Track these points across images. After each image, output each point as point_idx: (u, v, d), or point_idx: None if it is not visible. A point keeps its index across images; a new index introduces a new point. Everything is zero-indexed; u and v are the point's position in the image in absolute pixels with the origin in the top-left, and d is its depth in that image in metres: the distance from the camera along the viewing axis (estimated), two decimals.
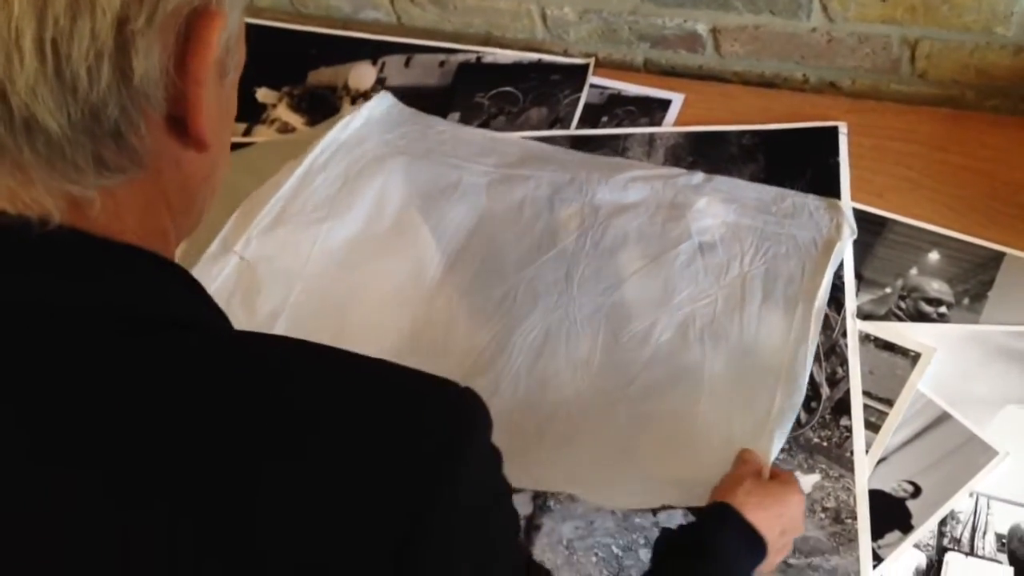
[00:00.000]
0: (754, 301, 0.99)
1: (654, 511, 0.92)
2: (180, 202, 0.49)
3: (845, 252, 1.01)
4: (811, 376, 0.97)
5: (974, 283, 0.98)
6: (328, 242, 1.08)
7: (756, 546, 0.75)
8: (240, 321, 1.02)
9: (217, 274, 1.05)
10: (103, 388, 0.42)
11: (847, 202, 1.05)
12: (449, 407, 0.46)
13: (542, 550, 0.92)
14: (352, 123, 1.17)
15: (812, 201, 1.05)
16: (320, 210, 1.10)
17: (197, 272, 1.02)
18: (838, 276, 1.00)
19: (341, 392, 0.44)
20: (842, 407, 0.93)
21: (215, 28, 0.43)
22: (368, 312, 1.05)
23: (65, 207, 0.42)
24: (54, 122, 0.40)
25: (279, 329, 1.03)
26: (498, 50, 1.29)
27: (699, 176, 1.09)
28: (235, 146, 1.27)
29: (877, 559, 0.86)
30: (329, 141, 1.15)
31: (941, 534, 0.86)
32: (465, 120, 1.23)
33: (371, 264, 1.07)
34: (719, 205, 1.06)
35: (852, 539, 0.87)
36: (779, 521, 0.78)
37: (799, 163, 1.09)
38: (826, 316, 0.99)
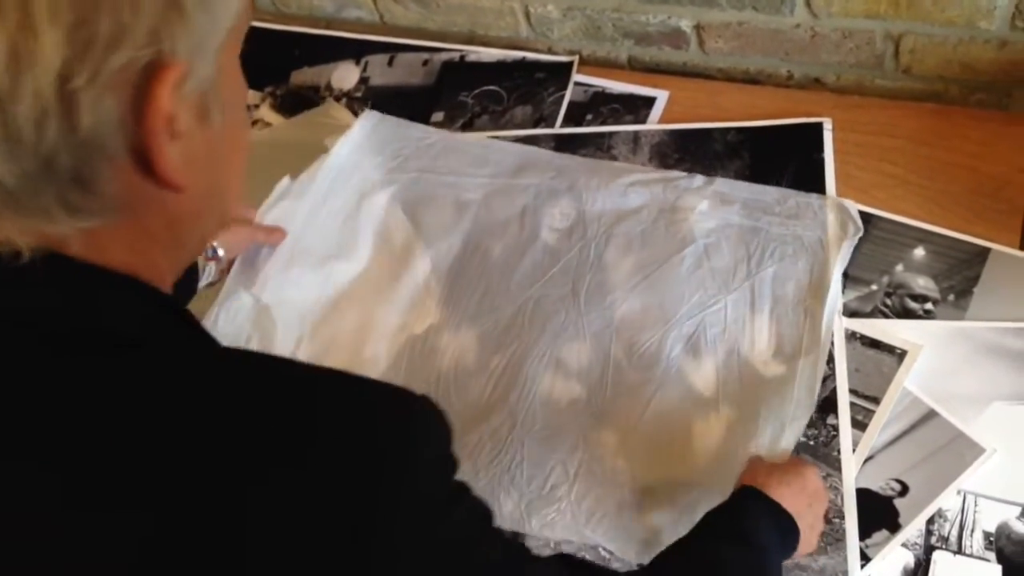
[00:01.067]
0: (764, 306, 0.98)
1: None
2: (170, 239, 0.51)
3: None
4: None
5: (960, 279, 0.98)
6: (337, 280, 1.07)
7: (784, 524, 0.74)
8: None
9: (235, 313, 1.02)
10: (71, 402, 0.44)
11: (832, 198, 1.04)
12: (398, 415, 0.47)
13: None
14: (342, 149, 1.15)
15: (816, 200, 1.03)
16: (327, 247, 1.08)
17: (216, 310, 1.02)
18: None
19: (295, 401, 0.46)
20: (828, 406, 0.93)
21: (165, 81, 0.44)
22: (377, 349, 1.03)
23: (41, 243, 0.45)
24: (7, 174, 0.42)
25: None
26: (482, 48, 1.29)
27: (699, 179, 1.07)
28: None
29: (865, 558, 0.85)
30: (327, 170, 1.12)
31: (929, 533, 0.86)
32: (449, 119, 1.22)
33: (379, 300, 1.05)
34: (722, 207, 1.04)
35: (840, 539, 0.87)
36: (804, 494, 0.78)
37: (784, 159, 1.09)
38: None
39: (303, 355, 1.02)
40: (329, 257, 1.07)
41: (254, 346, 1.01)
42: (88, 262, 0.46)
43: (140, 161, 0.45)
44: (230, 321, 1.02)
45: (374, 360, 1.02)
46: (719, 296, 0.99)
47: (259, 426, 0.44)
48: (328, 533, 0.43)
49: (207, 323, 1.01)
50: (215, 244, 0.99)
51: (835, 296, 0.97)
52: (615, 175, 1.10)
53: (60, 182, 0.43)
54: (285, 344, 1.02)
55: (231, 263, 1.04)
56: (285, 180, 1.10)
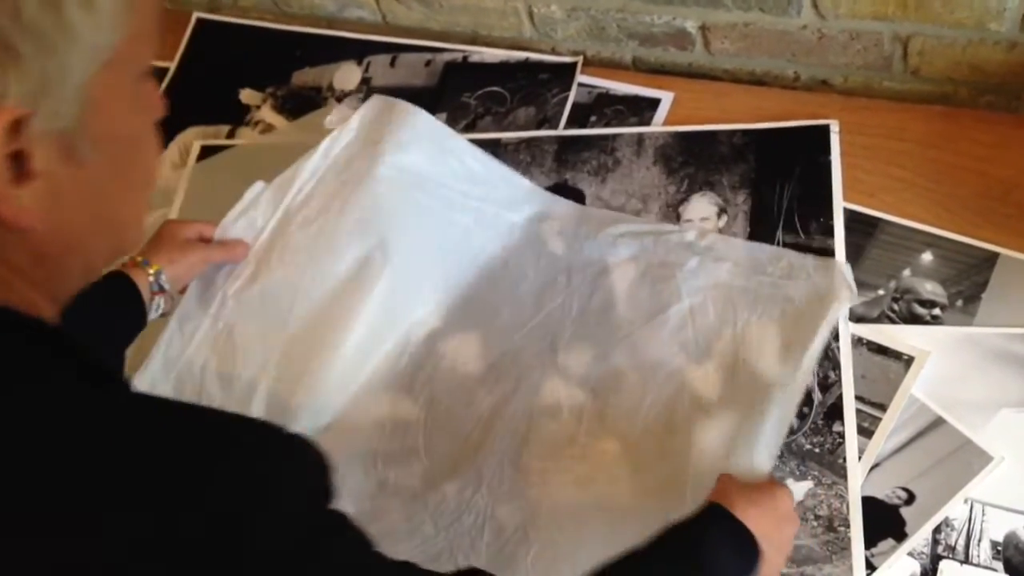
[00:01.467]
0: (746, 369, 0.93)
1: None
2: (41, 273, 0.51)
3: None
4: None
5: (968, 284, 0.96)
6: (312, 296, 0.97)
7: (746, 548, 0.71)
8: (214, 398, 0.94)
9: (191, 335, 0.96)
10: None
11: (839, 203, 1.03)
12: (266, 452, 0.48)
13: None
14: (331, 147, 1.06)
15: (811, 261, 0.98)
16: (299, 259, 0.99)
17: (169, 333, 0.96)
18: None
19: (159, 445, 0.46)
20: (834, 412, 0.92)
21: None
22: (356, 389, 0.96)
23: None
24: None
25: (256, 407, 0.93)
26: (485, 49, 1.28)
27: (692, 233, 1.03)
28: (218, 149, 1.25)
29: (870, 567, 0.84)
30: (306, 173, 1.04)
31: (935, 542, 0.85)
32: (452, 120, 1.20)
33: (358, 324, 0.96)
34: (711, 265, 1.00)
35: (845, 547, 0.86)
36: (773, 515, 0.75)
37: (790, 162, 1.08)
38: None
39: (268, 383, 0.94)
40: (301, 270, 0.98)
41: (211, 374, 0.95)
42: None
43: None
44: (186, 344, 0.95)
45: (353, 407, 0.95)
46: (703, 362, 0.94)
47: (122, 469, 0.44)
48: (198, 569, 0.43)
49: (157, 347, 0.95)
50: (161, 276, 0.93)
51: (813, 358, 0.93)
52: (605, 224, 1.05)
53: None
54: (247, 371, 0.95)
55: (185, 290, 0.98)
56: (257, 186, 1.03)
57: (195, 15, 1.40)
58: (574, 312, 0.99)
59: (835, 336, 0.96)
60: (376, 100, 1.10)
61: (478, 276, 1.03)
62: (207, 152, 1.25)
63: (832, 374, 0.94)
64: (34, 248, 0.50)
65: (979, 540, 0.84)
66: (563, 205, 1.09)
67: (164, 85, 1.32)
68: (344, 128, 1.08)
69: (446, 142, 1.09)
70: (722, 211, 1.07)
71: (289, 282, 0.98)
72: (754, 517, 0.72)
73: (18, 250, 0.49)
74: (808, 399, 0.94)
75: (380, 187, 1.02)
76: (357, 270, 0.98)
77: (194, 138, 1.27)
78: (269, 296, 0.97)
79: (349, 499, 0.86)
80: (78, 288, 0.54)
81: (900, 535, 0.85)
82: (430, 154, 1.06)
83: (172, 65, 1.35)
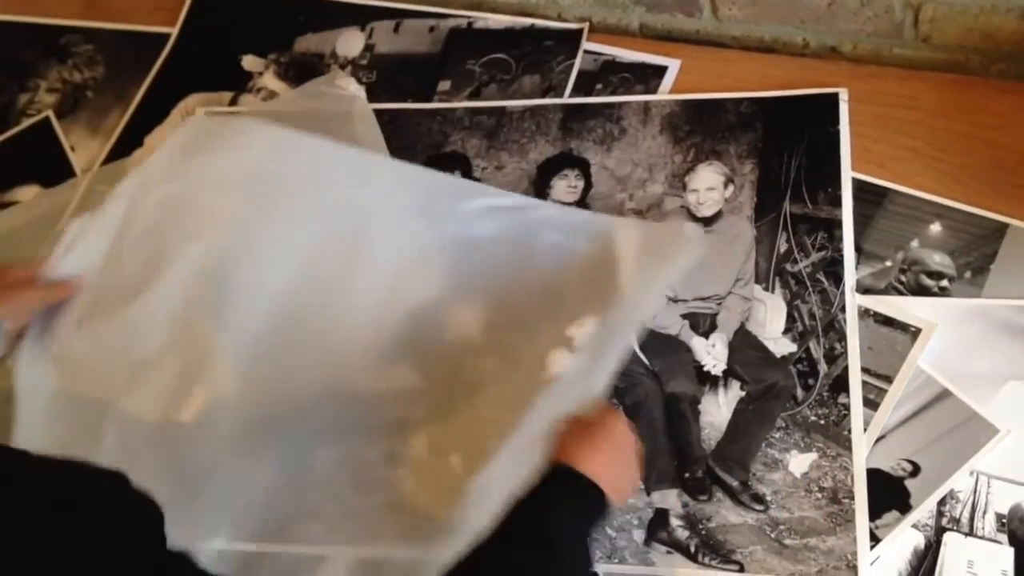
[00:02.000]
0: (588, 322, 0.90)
1: (648, 491, 0.91)
2: None
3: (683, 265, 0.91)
4: (808, 352, 0.95)
5: (977, 255, 0.96)
6: (143, 326, 0.89)
7: (593, 501, 0.70)
8: (76, 429, 0.87)
9: (36, 397, 0.87)
10: None
11: (847, 173, 1.02)
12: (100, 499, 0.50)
13: None
14: (150, 164, 0.96)
15: (657, 229, 0.99)
16: (129, 285, 0.90)
17: (18, 396, 0.87)
18: (836, 250, 0.98)
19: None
20: (840, 384, 0.92)
21: None
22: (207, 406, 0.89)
23: None
24: None
25: (109, 431, 0.86)
26: (490, 15, 1.26)
27: (553, 208, 1.02)
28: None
29: (874, 540, 0.84)
30: (123, 192, 0.94)
31: (940, 514, 0.85)
32: (456, 88, 1.19)
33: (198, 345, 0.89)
34: (566, 239, 0.95)
35: (849, 520, 0.86)
36: (614, 452, 0.74)
37: (798, 131, 1.06)
38: (824, 290, 0.97)
39: (111, 440, 0.86)
40: (132, 297, 0.89)
41: (66, 440, 0.87)
42: None
43: None
44: (35, 409, 0.87)
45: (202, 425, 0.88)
46: (557, 321, 0.91)
47: None
48: None
49: (18, 394, 0.88)
50: None
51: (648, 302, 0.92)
52: (462, 196, 0.98)
53: None
54: (85, 434, 0.86)
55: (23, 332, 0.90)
56: (78, 221, 0.92)
57: None
58: (435, 304, 0.94)
59: (841, 308, 0.95)
60: (193, 124, 1.03)
61: (323, 272, 0.93)
62: None
63: (838, 346, 0.94)
64: None
65: (984, 512, 0.84)
66: (420, 174, 1.01)
67: (166, 52, 1.31)
68: (159, 150, 0.98)
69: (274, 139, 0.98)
70: (729, 181, 1.06)
71: (122, 312, 0.89)
72: (599, 465, 0.70)
73: None
74: (814, 371, 0.94)
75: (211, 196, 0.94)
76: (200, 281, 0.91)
77: (196, 105, 1.26)
78: (104, 332, 0.89)
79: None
80: None
81: (905, 507, 0.85)
82: (255, 150, 0.97)
83: (174, 31, 1.33)
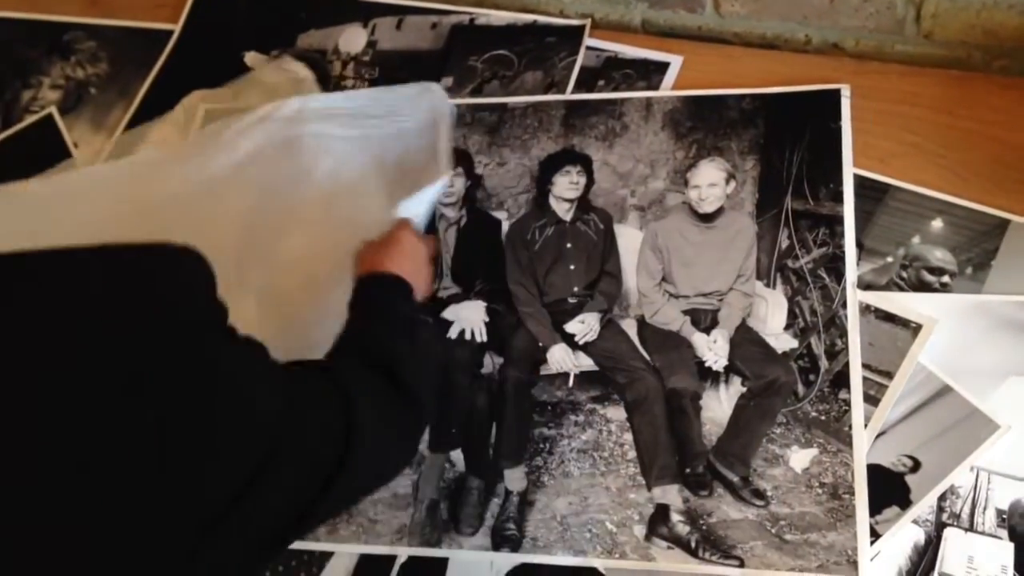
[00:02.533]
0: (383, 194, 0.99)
1: (649, 487, 0.91)
2: None
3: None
4: (810, 348, 0.95)
5: (978, 251, 0.96)
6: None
7: (403, 288, 0.83)
8: None
9: None
10: None
11: (849, 169, 1.02)
12: (162, 263, 0.54)
13: (535, 526, 0.91)
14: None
15: (409, 90, 1.07)
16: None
17: None
18: (837, 246, 0.98)
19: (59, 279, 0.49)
20: (841, 380, 0.92)
21: None
22: None
23: None
24: None
25: None
26: (492, 11, 1.26)
27: (294, 102, 1.04)
28: None
29: (875, 535, 0.85)
30: None
31: (940, 509, 0.85)
32: (458, 84, 1.20)
33: None
34: (327, 124, 1.03)
35: (850, 515, 0.86)
36: (404, 254, 0.86)
37: (800, 127, 1.06)
38: (825, 286, 0.97)
39: None
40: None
41: None
42: None
43: None
44: None
45: None
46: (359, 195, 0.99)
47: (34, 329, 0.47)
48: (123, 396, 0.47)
49: None
50: None
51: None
52: (219, 131, 1.04)
53: None
54: None
55: None
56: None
57: None
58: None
59: (843, 304, 0.95)
60: None
61: None
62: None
63: (839, 342, 0.94)
64: None
65: (984, 508, 0.84)
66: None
67: (169, 47, 1.31)
68: None
69: None
70: (731, 177, 1.06)
71: None
72: (396, 267, 0.84)
73: None
74: (815, 366, 0.94)
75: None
76: None
77: (199, 100, 1.26)
78: None
79: None
80: None
81: (905, 503, 0.85)
82: None
83: (177, 28, 1.33)
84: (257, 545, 0.55)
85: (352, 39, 1.28)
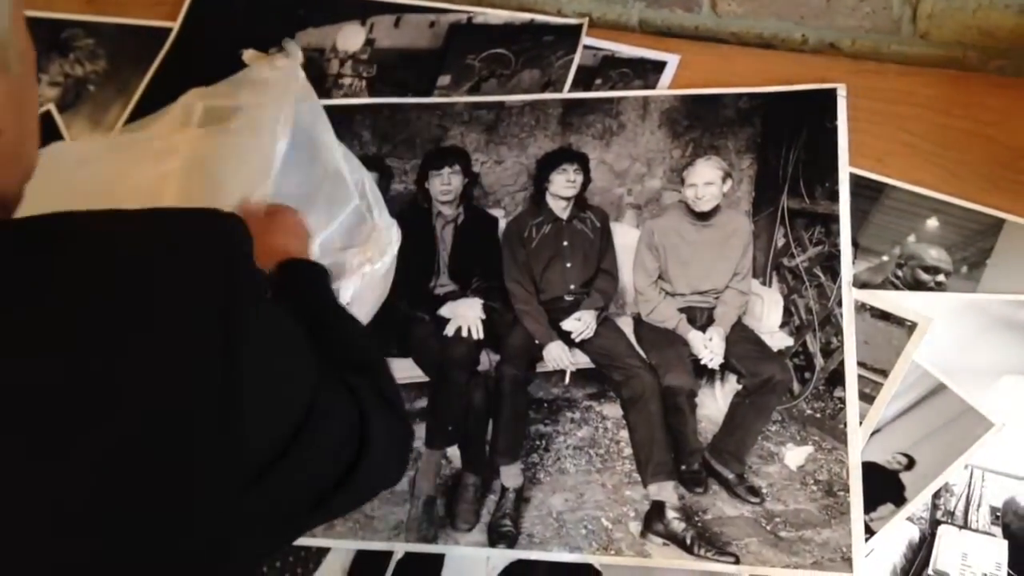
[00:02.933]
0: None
1: (644, 483, 0.92)
2: None
3: None
4: (805, 346, 0.95)
5: (973, 251, 0.96)
6: None
7: (325, 275, 0.85)
8: None
9: None
10: None
11: (845, 168, 1.02)
12: (216, 225, 0.54)
13: (531, 522, 0.91)
14: None
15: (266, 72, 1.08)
16: None
17: None
18: (833, 244, 0.99)
19: (113, 240, 0.50)
20: (836, 378, 0.92)
21: None
22: None
23: None
24: None
25: None
26: (490, 10, 1.26)
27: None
28: None
29: (869, 532, 0.85)
30: None
31: (935, 507, 0.85)
32: (455, 83, 1.20)
33: None
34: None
35: (844, 512, 0.86)
36: (288, 231, 0.88)
37: (796, 127, 1.07)
38: (821, 285, 0.98)
39: None
40: None
41: None
42: None
43: None
44: None
45: None
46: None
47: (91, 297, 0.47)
48: (201, 318, 0.49)
49: None
50: None
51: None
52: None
53: None
54: None
55: None
56: None
57: None
58: None
59: (838, 302, 0.96)
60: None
61: None
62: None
63: (834, 340, 0.94)
64: None
65: (978, 506, 0.85)
66: None
67: (167, 46, 1.31)
68: None
69: None
70: (727, 175, 1.06)
71: None
72: (299, 249, 0.86)
73: None
74: (810, 364, 0.94)
75: None
76: None
77: (197, 98, 1.26)
78: None
79: None
80: (12, 211, 0.56)
81: (899, 500, 0.86)
82: None
83: (175, 25, 1.34)
84: (280, 519, 0.56)
85: (350, 37, 1.28)
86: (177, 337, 0.48)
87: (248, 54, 1.30)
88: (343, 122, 1.18)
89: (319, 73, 1.26)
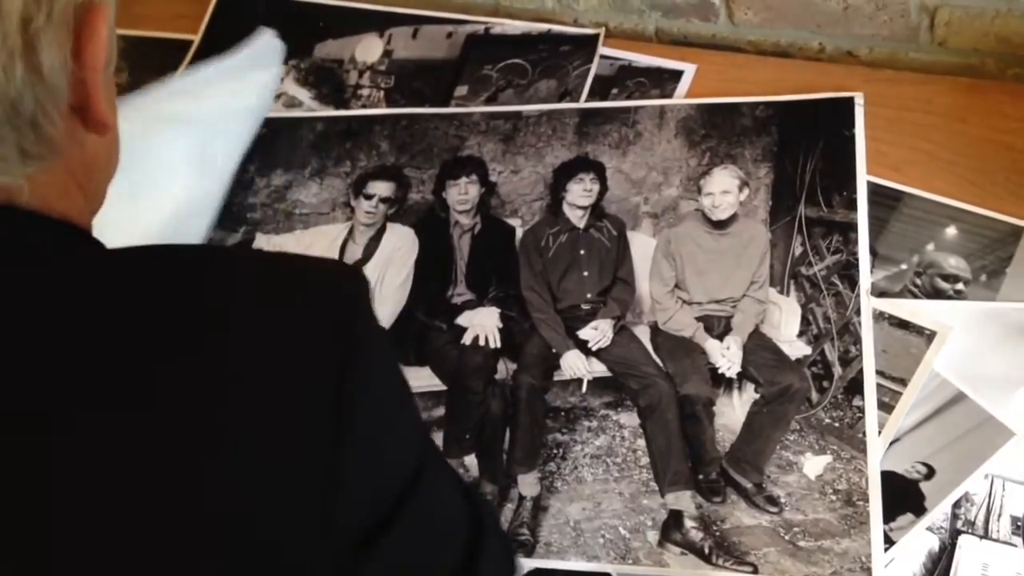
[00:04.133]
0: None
1: (662, 493, 0.92)
2: (88, 182, 0.52)
3: None
4: (823, 355, 0.95)
5: (992, 259, 0.96)
6: None
7: None
8: None
9: None
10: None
11: (862, 176, 1.02)
12: (339, 276, 0.51)
13: (549, 531, 0.91)
14: None
15: (243, 61, 1.10)
16: None
17: None
18: (851, 253, 0.98)
19: (230, 285, 0.48)
20: (855, 387, 0.92)
21: (103, 18, 0.47)
22: None
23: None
24: None
25: None
26: (507, 21, 1.27)
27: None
28: None
29: (889, 542, 0.85)
30: None
31: (955, 517, 0.85)
32: (473, 93, 1.21)
33: None
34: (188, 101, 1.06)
35: (864, 522, 0.86)
36: None
37: (814, 135, 1.07)
38: (839, 293, 0.97)
39: None
40: None
41: None
42: (35, 210, 0.48)
43: (74, 104, 0.47)
44: None
45: None
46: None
47: (204, 320, 0.45)
48: (315, 389, 0.45)
49: None
50: None
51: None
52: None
53: (22, 127, 0.44)
54: None
55: None
56: None
57: None
58: None
59: (856, 311, 0.95)
60: None
61: None
62: None
63: (853, 348, 0.94)
64: (88, 157, 0.51)
65: (999, 515, 0.84)
66: None
67: (189, 58, 1.33)
68: None
69: None
70: (744, 184, 1.06)
71: None
72: None
73: (80, 160, 0.50)
74: (828, 373, 0.94)
75: None
76: None
77: None
78: None
79: None
80: (98, 209, 0.55)
81: (919, 510, 0.85)
82: None
83: (197, 38, 1.35)
84: None
85: (368, 48, 1.30)
86: (302, 394, 0.45)
87: None
88: (362, 133, 1.20)
89: (338, 84, 1.27)
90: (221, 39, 1.35)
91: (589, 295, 1.05)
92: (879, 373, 0.92)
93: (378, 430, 0.48)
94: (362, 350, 0.47)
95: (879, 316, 0.95)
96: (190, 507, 0.42)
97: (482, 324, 1.04)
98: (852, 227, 1.00)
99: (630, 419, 0.97)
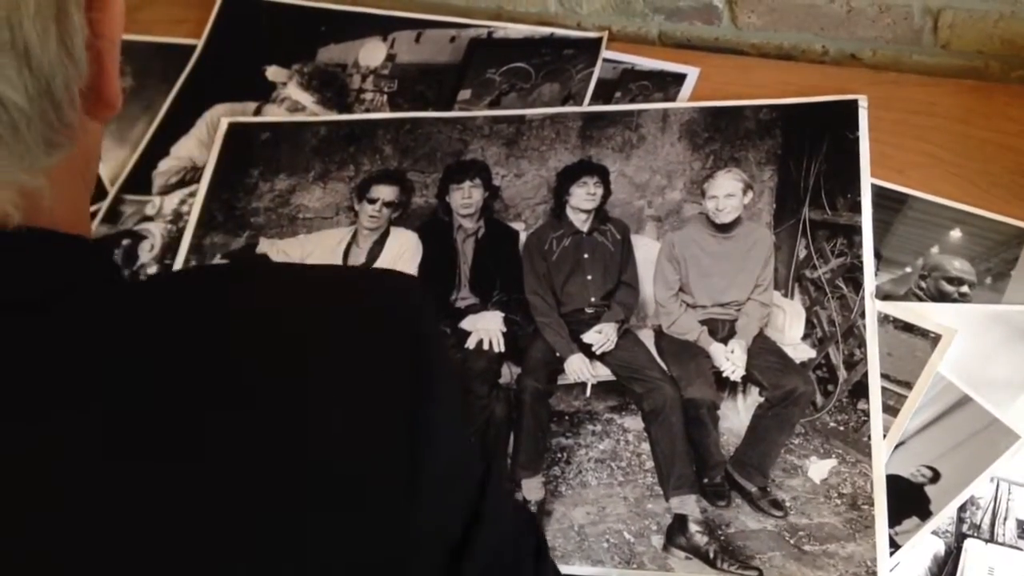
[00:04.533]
0: None
1: (666, 497, 0.91)
2: (87, 173, 0.50)
3: None
4: (828, 359, 0.95)
5: (997, 261, 0.95)
6: None
7: None
8: None
9: None
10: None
11: (867, 179, 1.02)
12: (401, 290, 0.50)
13: (553, 535, 0.91)
14: None
15: None
16: None
17: None
18: (855, 256, 0.98)
19: (288, 310, 0.46)
20: (859, 390, 0.92)
21: None
22: None
23: (20, 202, 0.43)
24: (18, 93, 0.40)
25: None
26: (510, 24, 1.27)
27: None
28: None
29: (894, 546, 0.84)
30: None
31: (960, 520, 0.84)
32: (476, 97, 1.21)
33: None
34: None
35: (868, 526, 0.86)
36: None
37: (817, 138, 1.07)
38: (843, 296, 0.97)
39: None
40: None
41: None
42: (55, 230, 0.45)
43: (90, 82, 0.45)
44: None
45: None
46: None
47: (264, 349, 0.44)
48: (389, 412, 0.44)
49: None
50: None
51: None
52: None
53: (52, 109, 0.42)
54: None
55: None
56: None
57: None
58: None
59: (861, 314, 0.95)
60: None
61: None
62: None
63: (857, 352, 0.94)
64: (91, 144, 0.49)
65: (1005, 519, 0.84)
66: None
67: (192, 63, 1.33)
68: None
69: None
70: (748, 187, 1.06)
71: None
72: None
73: (85, 147, 0.48)
74: (833, 377, 0.94)
75: None
76: None
77: (221, 115, 1.28)
78: None
79: None
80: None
81: (925, 514, 0.85)
82: None
83: (200, 43, 1.35)
84: None
85: (371, 53, 1.30)
86: (376, 412, 0.45)
87: (272, 71, 1.31)
88: (365, 137, 1.20)
89: (341, 88, 1.27)
90: (224, 45, 1.36)
91: (593, 299, 1.05)
92: (884, 376, 0.92)
93: (449, 447, 0.48)
94: (432, 372, 0.47)
95: (884, 319, 0.94)
96: (296, 554, 0.42)
97: (486, 328, 1.04)
98: (856, 230, 1.00)
99: (634, 423, 0.97)
